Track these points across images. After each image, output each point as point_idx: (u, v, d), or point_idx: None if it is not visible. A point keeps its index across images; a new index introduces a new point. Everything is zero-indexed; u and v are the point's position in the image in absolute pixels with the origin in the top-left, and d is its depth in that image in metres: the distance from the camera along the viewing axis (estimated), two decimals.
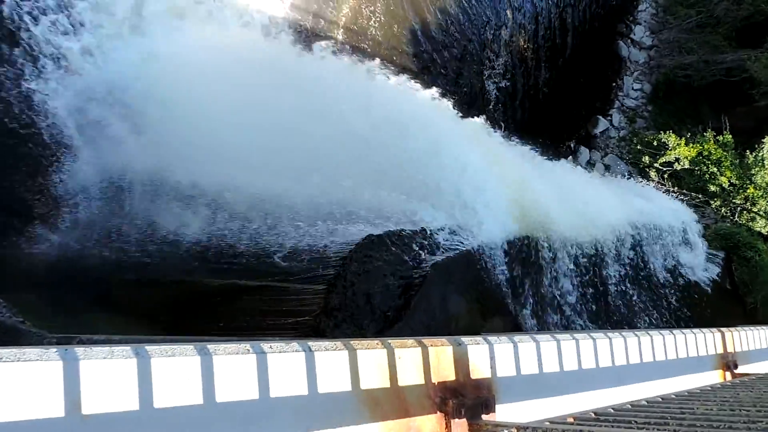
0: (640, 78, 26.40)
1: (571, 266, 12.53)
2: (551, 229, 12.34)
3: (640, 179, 20.50)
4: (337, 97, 10.20)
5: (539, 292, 12.18)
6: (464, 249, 10.53)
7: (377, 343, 2.40)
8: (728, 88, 24.25)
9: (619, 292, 13.47)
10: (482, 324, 10.39)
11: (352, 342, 2.32)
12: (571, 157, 23.22)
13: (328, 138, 9.76)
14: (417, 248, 9.91)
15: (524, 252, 11.95)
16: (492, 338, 2.92)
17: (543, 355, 3.25)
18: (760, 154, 19.47)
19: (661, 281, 14.66)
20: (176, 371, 1.92)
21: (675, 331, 4.60)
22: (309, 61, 10.84)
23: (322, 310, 8.42)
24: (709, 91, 24.80)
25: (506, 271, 11.36)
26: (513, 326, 10.89)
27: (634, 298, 13.69)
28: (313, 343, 2.21)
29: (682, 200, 19.18)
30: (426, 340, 2.60)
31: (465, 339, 2.79)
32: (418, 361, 2.56)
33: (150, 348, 1.93)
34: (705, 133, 20.48)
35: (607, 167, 23.05)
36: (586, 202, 14.18)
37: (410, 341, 2.54)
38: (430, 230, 10.34)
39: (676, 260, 15.65)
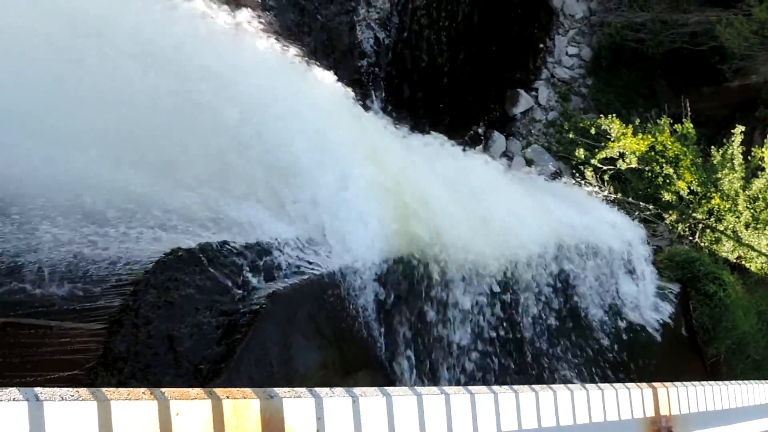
0: (578, 39, 27.75)
1: (466, 303, 13.01)
2: (444, 251, 12.75)
3: (572, 179, 21.53)
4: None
5: (426, 338, 12.54)
6: (317, 273, 10.68)
7: (143, 393, 2.45)
8: (692, 60, 25.91)
9: (535, 340, 14.10)
10: (340, 383, 10.57)
11: (105, 391, 2.35)
12: (481, 146, 24.04)
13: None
14: (247, 270, 9.95)
15: (405, 282, 12.27)
16: (321, 391, 3.05)
17: (397, 415, 3.41)
18: (729, 152, 20.93)
19: (592, 325, 15.49)
20: None
21: (588, 386, 4.94)
22: None
23: (99, 360, 8.27)
24: (667, 62, 26.41)
25: (378, 308, 11.63)
26: (386, 384, 11.14)
27: (551, 349, 14.37)
28: (43, 391, 2.23)
29: (627, 212, 20.32)
30: (220, 392, 2.67)
31: (279, 391, 2.88)
32: (207, 420, 2.61)
33: None
34: (659, 121, 21.77)
35: (529, 162, 24.03)
36: (499, 213, 14.75)
37: (195, 391, 2.60)
38: (268, 244, 10.42)
39: (616, 296, 16.57)
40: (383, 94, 20.44)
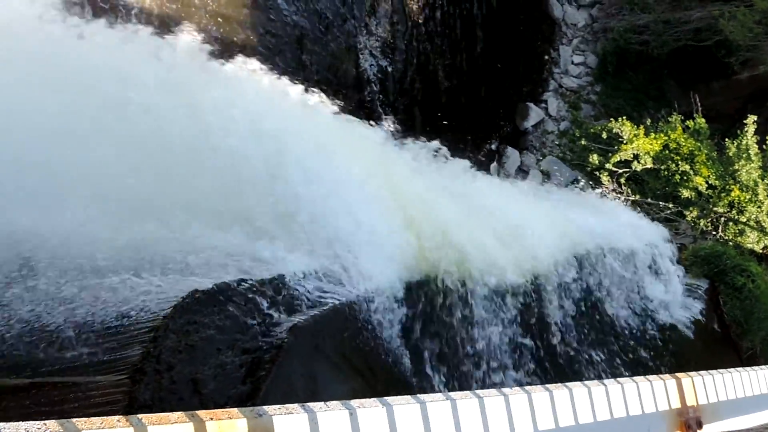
0: (582, 47, 27.73)
1: (493, 318, 12.85)
2: (467, 268, 12.63)
3: (590, 186, 21.36)
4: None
5: (454, 357, 12.39)
6: (338, 303, 10.59)
7: (118, 421, 2.36)
8: (698, 57, 25.79)
9: (565, 349, 13.91)
10: None
11: (75, 421, 2.27)
12: (495, 163, 23.96)
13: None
14: (266, 305, 9.87)
15: (428, 302, 12.15)
16: (315, 405, 2.95)
17: (400, 426, 3.30)
18: (744, 143, 20.72)
19: (622, 328, 15.27)
20: None
21: (607, 382, 4.80)
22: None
23: (125, 411, 8.21)
24: (673, 61, 26.31)
25: (402, 330, 11.50)
26: None
27: (585, 355, 14.17)
28: (6, 426, 2.15)
29: (647, 212, 20.12)
30: (203, 413, 2.58)
31: (269, 408, 2.79)
32: None
33: None
34: (670, 118, 21.62)
35: (546, 174, 23.91)
36: (518, 226, 14.63)
37: (175, 415, 2.51)
38: (287, 278, 10.34)
39: (643, 297, 16.35)
40: (396, 120, 20.42)
